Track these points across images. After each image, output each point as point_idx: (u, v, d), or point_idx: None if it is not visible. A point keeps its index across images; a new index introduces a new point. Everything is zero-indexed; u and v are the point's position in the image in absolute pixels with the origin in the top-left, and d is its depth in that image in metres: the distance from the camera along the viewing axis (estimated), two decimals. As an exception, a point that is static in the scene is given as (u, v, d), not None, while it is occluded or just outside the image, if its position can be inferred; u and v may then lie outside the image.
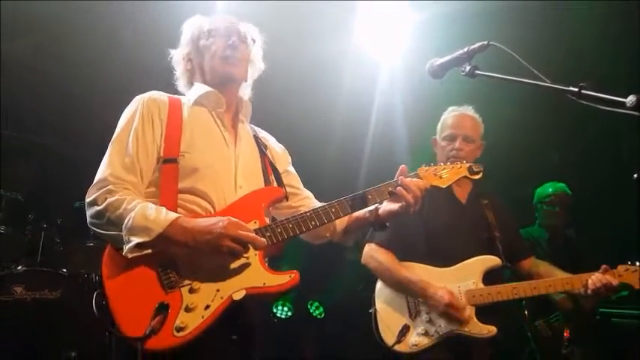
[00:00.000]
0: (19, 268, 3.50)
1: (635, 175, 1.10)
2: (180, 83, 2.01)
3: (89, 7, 3.81)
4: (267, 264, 1.74)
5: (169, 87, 2.01)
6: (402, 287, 2.54)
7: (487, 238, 2.63)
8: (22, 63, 4.21)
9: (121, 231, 1.63)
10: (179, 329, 1.58)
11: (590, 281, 2.41)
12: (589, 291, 2.41)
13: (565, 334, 3.24)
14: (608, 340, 3.64)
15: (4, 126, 4.16)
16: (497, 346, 2.49)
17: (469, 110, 2.79)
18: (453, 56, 1.66)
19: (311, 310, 5.56)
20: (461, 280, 2.48)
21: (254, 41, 1.99)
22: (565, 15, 3.72)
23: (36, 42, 4.13)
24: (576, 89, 1.31)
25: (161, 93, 1.89)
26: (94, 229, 1.71)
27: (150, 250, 1.63)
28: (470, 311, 2.42)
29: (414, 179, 1.90)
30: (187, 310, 1.61)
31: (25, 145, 4.13)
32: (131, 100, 1.87)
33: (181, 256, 1.66)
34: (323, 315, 5.55)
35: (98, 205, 1.66)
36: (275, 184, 1.97)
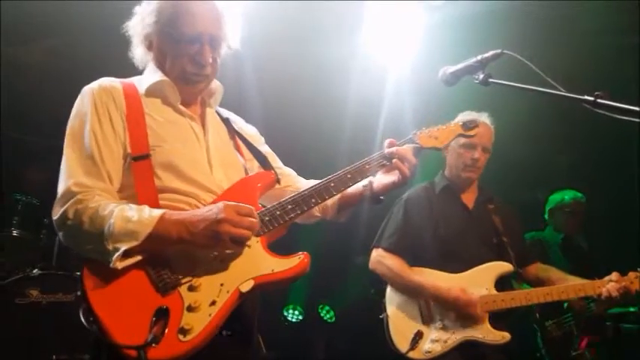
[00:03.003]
0: (35, 271, 3.54)
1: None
2: (136, 57, 1.77)
3: (102, 7, 3.84)
4: (271, 249, 1.56)
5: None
6: (413, 292, 2.52)
7: (497, 243, 2.63)
8: (36, 66, 4.26)
9: (99, 241, 1.41)
10: (184, 332, 1.37)
11: (605, 290, 2.39)
12: (603, 298, 2.40)
13: (585, 340, 3.23)
14: (618, 343, 3.61)
15: (19, 130, 4.22)
16: (510, 353, 2.48)
17: (487, 118, 2.73)
18: (465, 64, 1.66)
19: (322, 314, 5.55)
20: (474, 287, 2.47)
21: (228, 42, 1.75)
22: (579, 19, 3.71)
23: (51, 45, 4.16)
24: (592, 98, 1.31)
25: (111, 79, 1.66)
26: (73, 247, 1.50)
27: (140, 257, 1.43)
28: (484, 317, 2.41)
29: (407, 145, 1.80)
30: (190, 309, 1.40)
31: (40, 148, 4.18)
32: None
33: (173, 253, 1.47)
34: (334, 319, 5.55)
35: (69, 220, 1.44)
36: (253, 167, 1.83)
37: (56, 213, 1.48)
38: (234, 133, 1.84)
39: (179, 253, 1.48)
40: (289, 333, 5.30)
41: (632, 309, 3.44)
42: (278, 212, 1.60)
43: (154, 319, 1.36)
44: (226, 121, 1.86)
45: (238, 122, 1.93)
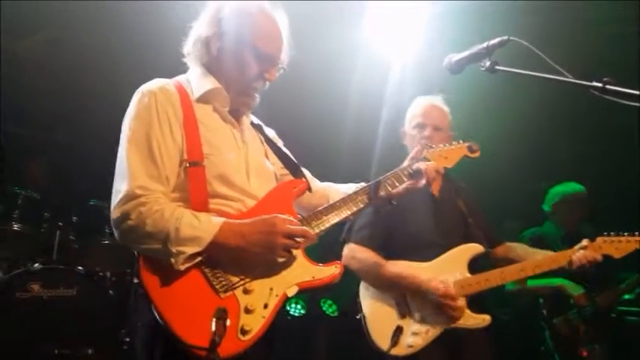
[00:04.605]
0: (36, 265, 3.54)
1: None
2: (191, 58, 1.84)
3: (100, 2, 3.81)
4: (309, 257, 1.72)
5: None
6: (391, 285, 2.43)
7: (464, 226, 2.59)
8: (33, 60, 4.24)
9: (162, 243, 1.53)
10: (244, 332, 1.53)
11: (574, 258, 2.43)
12: (574, 267, 2.43)
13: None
14: (624, 337, 3.60)
15: (19, 124, 4.20)
16: (493, 345, 2.46)
17: (437, 100, 2.73)
18: (472, 52, 1.63)
19: (324, 309, 5.53)
20: (447, 273, 2.41)
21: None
22: (585, 7, 3.66)
23: (46, 38, 4.14)
24: (600, 84, 1.27)
25: (167, 82, 1.75)
26: (130, 244, 1.59)
27: (200, 258, 1.57)
28: (462, 302, 2.36)
29: (431, 163, 1.97)
30: (247, 311, 1.56)
31: (40, 142, 4.17)
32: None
33: (228, 258, 1.60)
34: (336, 313, 5.54)
35: (131, 220, 1.54)
36: (277, 172, 1.95)
37: (118, 211, 1.56)
38: (264, 139, 1.96)
39: (234, 259, 1.60)
40: (292, 327, 5.30)
41: (627, 297, 3.42)
42: (314, 222, 1.76)
43: (215, 318, 1.44)
44: (257, 128, 1.97)
45: (263, 127, 2.02)
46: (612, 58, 3.80)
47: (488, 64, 1.56)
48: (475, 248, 2.48)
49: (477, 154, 2.13)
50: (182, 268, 1.54)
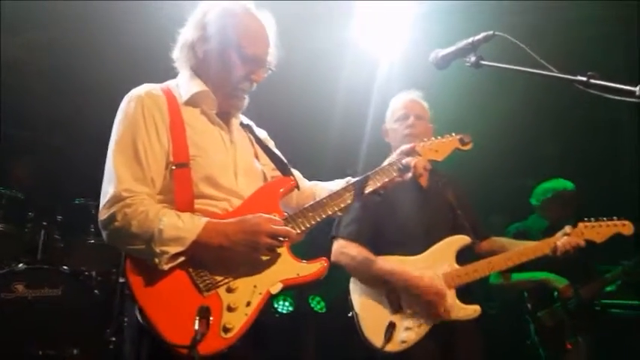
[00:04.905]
0: (20, 265, 3.48)
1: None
2: (179, 62, 1.87)
3: (91, 3, 3.78)
4: (294, 254, 1.73)
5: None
6: (381, 280, 2.43)
7: (452, 218, 2.61)
8: (18, 60, 4.18)
9: (147, 243, 1.57)
10: (227, 330, 1.56)
11: (559, 244, 2.48)
12: (558, 253, 2.48)
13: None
14: (608, 329, 3.66)
15: (3, 124, 4.13)
16: (482, 337, 2.48)
17: (416, 95, 2.78)
18: (457, 47, 1.64)
19: (312, 305, 5.54)
20: (435, 265, 2.43)
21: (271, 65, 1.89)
22: (570, 4, 3.72)
23: (32, 38, 4.10)
24: (584, 78, 1.30)
25: (155, 87, 1.78)
26: (117, 245, 1.64)
27: (183, 258, 1.60)
28: (451, 296, 2.38)
29: (419, 158, 1.97)
30: (230, 309, 1.59)
31: (24, 142, 4.11)
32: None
33: (212, 257, 1.63)
34: (324, 310, 5.55)
35: (117, 222, 1.59)
36: (268, 172, 1.96)
37: (104, 213, 1.61)
38: (254, 140, 1.98)
39: (218, 257, 1.62)
40: (280, 324, 5.30)
41: (609, 288, 3.47)
42: (300, 219, 1.76)
43: (197, 316, 1.49)
44: (247, 128, 1.98)
45: (254, 128, 2.03)
46: (595, 56, 3.88)
47: (473, 59, 1.58)
48: (462, 240, 2.50)
49: (468, 147, 2.12)
50: (166, 267, 1.57)
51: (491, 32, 1.55)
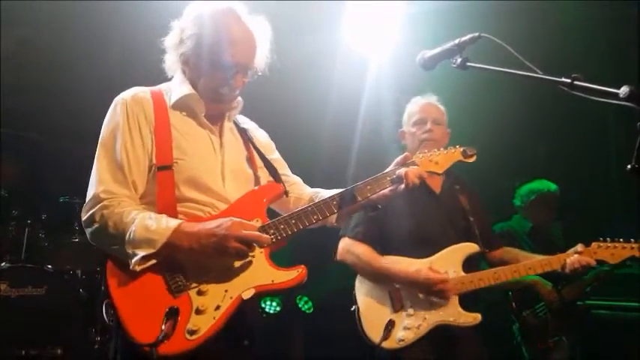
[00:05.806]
0: (3, 264, 3.45)
1: (629, 166, 1.10)
2: (167, 64, 1.88)
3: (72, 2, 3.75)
4: (272, 261, 1.73)
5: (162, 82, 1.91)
6: (383, 279, 2.49)
7: (463, 225, 2.63)
8: (4, 57, 4.12)
9: (121, 244, 1.60)
10: (192, 332, 1.57)
11: (568, 262, 2.49)
12: (567, 270, 2.49)
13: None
14: (591, 330, 3.70)
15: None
16: (482, 334, 2.50)
17: (434, 99, 2.81)
18: (444, 48, 1.64)
19: (300, 305, 5.53)
20: (441, 270, 2.45)
21: (258, 69, 1.87)
22: (555, 8, 3.76)
23: (18, 35, 4.05)
24: (569, 80, 1.31)
25: (143, 89, 1.80)
26: (98, 245, 1.69)
27: (156, 261, 1.62)
28: (454, 300, 2.41)
29: (413, 167, 1.91)
30: (198, 312, 1.60)
31: (8, 139, 4.04)
32: (115, 96, 1.78)
33: (187, 260, 1.65)
34: (312, 310, 5.54)
35: (96, 223, 1.64)
36: (265, 176, 1.95)
37: (85, 214, 1.67)
38: (249, 143, 1.96)
39: (192, 261, 1.64)
40: (267, 324, 5.28)
41: (587, 289, 3.51)
42: (282, 226, 1.75)
43: (165, 317, 1.53)
44: (243, 131, 1.96)
45: (252, 130, 2.03)
46: (579, 59, 3.92)
47: (459, 60, 1.58)
48: (470, 247, 2.52)
49: (472, 159, 2.10)
50: (138, 269, 1.59)
51: (477, 34, 1.55)
